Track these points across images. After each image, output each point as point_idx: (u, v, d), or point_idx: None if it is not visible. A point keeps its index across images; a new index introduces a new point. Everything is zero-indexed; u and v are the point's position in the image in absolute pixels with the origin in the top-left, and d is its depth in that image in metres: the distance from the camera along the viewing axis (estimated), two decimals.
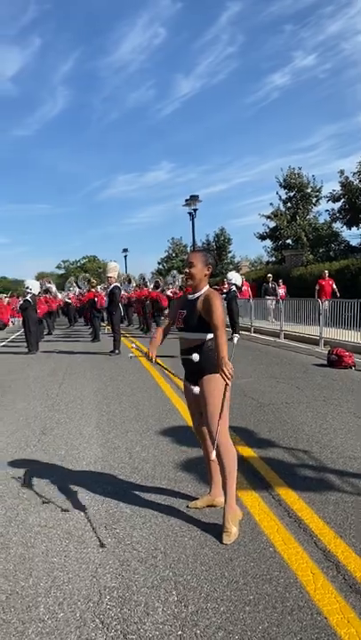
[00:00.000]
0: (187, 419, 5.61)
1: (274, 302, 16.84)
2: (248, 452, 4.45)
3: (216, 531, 3.03)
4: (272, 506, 3.37)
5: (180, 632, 2.18)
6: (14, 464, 4.41)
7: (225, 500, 3.04)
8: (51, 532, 3.13)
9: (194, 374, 3.14)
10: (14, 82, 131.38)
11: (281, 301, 14.96)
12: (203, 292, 3.11)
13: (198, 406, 3.20)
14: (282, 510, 3.30)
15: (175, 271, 22.60)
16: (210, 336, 3.04)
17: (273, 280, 19.66)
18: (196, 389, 3.06)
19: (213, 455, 2.88)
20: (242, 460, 4.20)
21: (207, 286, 3.16)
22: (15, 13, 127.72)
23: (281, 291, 19.22)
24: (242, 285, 19.10)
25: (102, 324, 17.01)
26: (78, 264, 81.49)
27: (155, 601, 2.41)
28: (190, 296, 3.17)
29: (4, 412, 6.42)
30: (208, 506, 3.36)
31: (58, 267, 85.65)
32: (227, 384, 2.85)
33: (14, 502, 3.60)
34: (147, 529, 3.13)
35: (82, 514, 3.37)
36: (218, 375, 2.92)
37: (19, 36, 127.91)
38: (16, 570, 2.73)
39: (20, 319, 15.77)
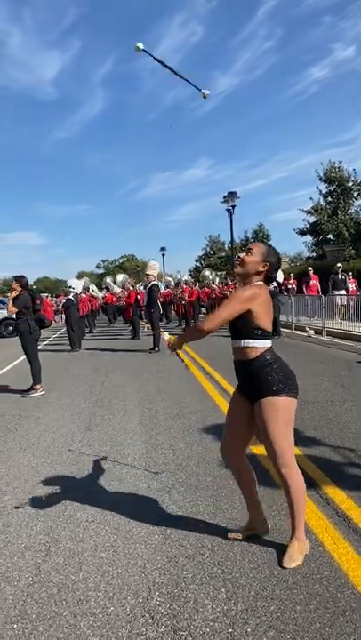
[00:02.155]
0: None
1: (345, 298, 14.71)
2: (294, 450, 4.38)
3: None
4: (320, 504, 3.31)
5: (230, 630, 2.17)
6: (61, 460, 4.49)
7: (292, 533, 2.68)
8: (99, 528, 3.17)
9: (248, 392, 2.70)
10: (54, 85, 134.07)
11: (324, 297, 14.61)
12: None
13: (242, 423, 2.77)
14: (330, 509, 3.24)
15: (207, 271, 22.23)
16: (264, 344, 2.62)
17: (343, 271, 16.88)
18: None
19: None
20: None
21: (259, 283, 2.67)
22: (56, 18, 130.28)
23: (351, 285, 16.74)
24: (310, 279, 17.61)
25: (141, 322, 17.13)
26: (117, 263, 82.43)
27: (204, 598, 2.40)
28: None
29: (49, 409, 6.56)
30: (251, 535, 2.94)
31: (97, 266, 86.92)
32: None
33: (62, 497, 3.66)
34: (193, 525, 3.13)
35: (128, 510, 3.40)
36: (282, 399, 2.57)
37: (59, 40, 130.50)
38: (66, 564, 2.78)
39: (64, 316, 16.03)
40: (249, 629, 2.17)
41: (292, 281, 18.72)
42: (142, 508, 3.41)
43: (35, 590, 2.55)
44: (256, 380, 2.61)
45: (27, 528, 3.22)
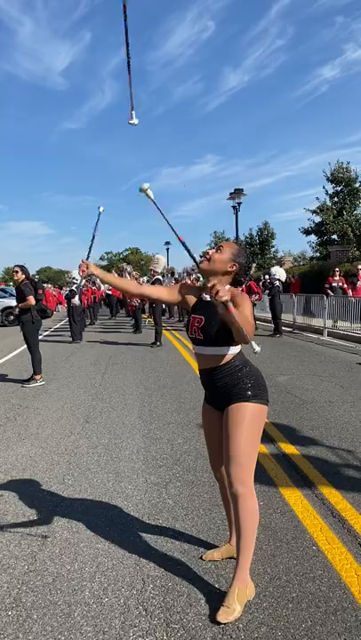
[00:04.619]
0: None
1: None
2: (290, 448, 4.41)
3: (261, 525, 3.01)
4: (315, 504, 3.33)
5: (222, 624, 2.19)
6: (59, 451, 4.52)
7: (236, 567, 2.36)
8: (95, 519, 3.20)
9: (217, 398, 2.47)
10: (64, 76, 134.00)
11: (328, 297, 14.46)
12: None
13: (218, 434, 2.53)
14: (325, 509, 3.26)
15: None
16: (235, 350, 2.40)
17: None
18: (256, 347, 2.20)
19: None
20: (284, 457, 4.19)
21: (228, 286, 2.46)
22: (69, 8, 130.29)
23: None
24: (357, 279, 14.88)
25: (143, 315, 17.15)
26: (121, 256, 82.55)
27: (197, 592, 2.43)
28: (207, 297, 2.47)
29: (49, 399, 6.59)
30: (228, 558, 2.71)
31: (101, 258, 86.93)
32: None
33: (60, 488, 3.69)
34: (189, 521, 3.15)
35: (125, 502, 3.43)
36: (251, 405, 2.35)
37: (71, 31, 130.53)
38: (62, 553, 2.80)
39: (65, 307, 16.06)
40: (241, 625, 2.19)
41: (337, 278, 15.35)
42: (139, 502, 3.43)
43: (30, 579, 2.57)
44: (225, 388, 2.39)
45: (24, 517, 3.25)
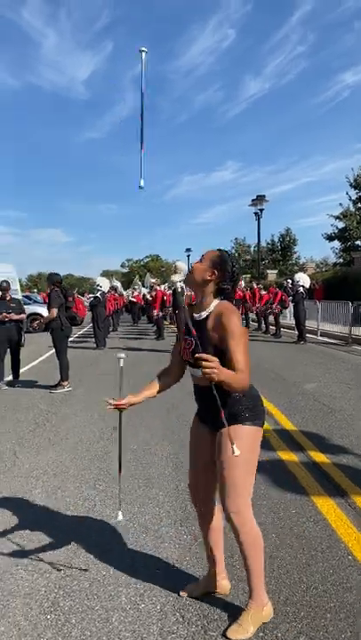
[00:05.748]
0: None
1: None
2: (321, 457, 4.37)
3: (294, 534, 2.99)
4: (349, 513, 3.30)
5: (261, 633, 2.18)
6: (89, 456, 4.55)
7: (250, 594, 2.28)
8: (128, 525, 3.21)
9: (210, 420, 2.34)
10: (87, 85, 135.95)
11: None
12: (212, 308, 2.26)
13: (206, 453, 2.40)
14: (360, 519, 3.22)
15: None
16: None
17: None
18: (237, 451, 2.01)
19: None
20: (315, 466, 4.15)
21: (216, 300, 2.29)
22: (91, 18, 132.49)
23: None
24: None
25: (165, 322, 17.19)
26: (142, 263, 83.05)
27: (233, 600, 2.42)
28: (197, 315, 2.31)
29: (77, 405, 6.65)
30: (208, 593, 2.48)
31: (122, 265, 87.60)
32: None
33: (91, 494, 3.72)
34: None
35: (157, 509, 3.44)
36: (246, 427, 2.21)
37: (93, 41, 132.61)
38: (97, 559, 2.82)
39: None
40: (279, 634, 2.18)
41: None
42: (171, 509, 3.44)
43: (67, 583, 2.60)
44: (219, 407, 2.07)
45: (57, 523, 3.28)
